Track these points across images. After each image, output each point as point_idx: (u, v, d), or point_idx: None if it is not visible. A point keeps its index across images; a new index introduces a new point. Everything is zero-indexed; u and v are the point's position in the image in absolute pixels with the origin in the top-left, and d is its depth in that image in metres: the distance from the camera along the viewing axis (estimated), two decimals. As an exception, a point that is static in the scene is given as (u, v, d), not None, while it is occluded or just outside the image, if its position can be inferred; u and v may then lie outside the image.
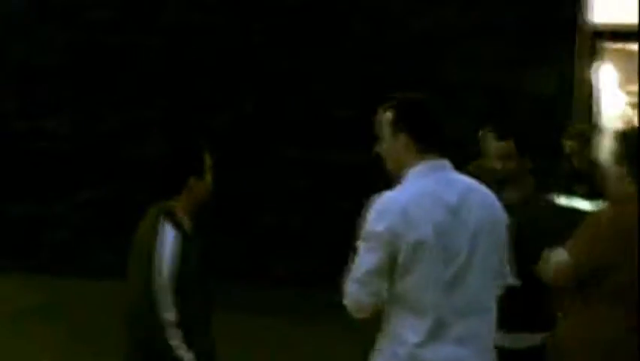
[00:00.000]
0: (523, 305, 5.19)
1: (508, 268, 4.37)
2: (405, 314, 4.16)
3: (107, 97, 10.74)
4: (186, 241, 4.74)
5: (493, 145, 5.58)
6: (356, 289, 4.15)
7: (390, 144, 4.32)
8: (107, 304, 6.70)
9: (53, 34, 10.76)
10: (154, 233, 4.69)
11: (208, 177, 4.85)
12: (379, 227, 4.11)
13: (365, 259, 4.15)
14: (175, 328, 4.64)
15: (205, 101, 10.52)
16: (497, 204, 4.33)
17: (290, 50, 10.40)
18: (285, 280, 10.09)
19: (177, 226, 4.75)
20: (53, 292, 9.68)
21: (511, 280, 4.41)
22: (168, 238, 4.68)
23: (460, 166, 4.41)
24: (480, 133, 5.87)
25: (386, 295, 4.15)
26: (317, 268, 9.64)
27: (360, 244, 4.19)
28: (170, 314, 4.63)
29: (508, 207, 4.46)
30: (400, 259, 4.10)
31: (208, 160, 4.86)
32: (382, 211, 4.14)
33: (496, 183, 5.01)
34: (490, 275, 4.24)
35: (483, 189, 4.33)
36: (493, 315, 4.27)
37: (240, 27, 10.50)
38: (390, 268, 4.12)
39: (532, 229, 5.13)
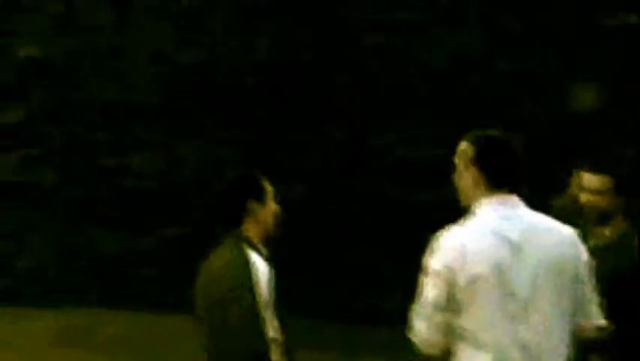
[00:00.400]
0: (619, 351, 5.04)
1: (594, 308, 4.28)
2: (469, 351, 4.17)
3: (193, 135, 10.91)
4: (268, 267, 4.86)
5: (585, 178, 5.43)
6: (420, 325, 4.22)
7: (462, 177, 4.38)
8: (192, 338, 6.79)
9: (143, 72, 10.98)
10: (239, 261, 4.79)
11: (271, 204, 4.96)
12: (437, 263, 4.18)
13: (426, 295, 4.20)
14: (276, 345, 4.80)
15: (292, 137, 10.64)
16: (571, 242, 4.28)
17: (380, 88, 10.49)
18: (368, 316, 10.12)
19: (258, 252, 4.87)
20: (137, 325, 9.82)
21: (601, 322, 4.29)
22: (256, 265, 4.80)
23: (543, 202, 4.38)
24: (574, 170, 5.74)
25: (450, 331, 4.18)
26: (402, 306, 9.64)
27: (423, 280, 4.24)
28: (272, 333, 4.79)
29: (598, 247, 4.37)
30: (459, 294, 4.13)
31: (269, 188, 4.97)
32: (441, 247, 4.21)
33: (584, 219, 4.93)
34: (561, 315, 4.18)
35: (554, 225, 4.30)
36: (565, 357, 4.21)
37: (327, 65, 10.60)
38: (451, 304, 4.16)
39: (628, 270, 5.05)
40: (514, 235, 4.18)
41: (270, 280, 4.82)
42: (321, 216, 10.27)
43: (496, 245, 4.15)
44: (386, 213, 10.42)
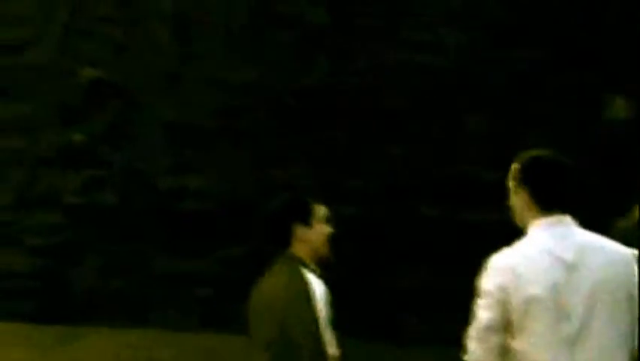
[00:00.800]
0: None
1: None
2: None
3: (250, 156, 10.98)
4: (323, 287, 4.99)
5: None
6: (474, 347, 4.20)
7: (514, 199, 4.38)
8: (248, 358, 6.82)
9: (202, 94, 11.08)
10: (296, 280, 4.87)
11: (320, 226, 5.04)
12: (490, 285, 4.16)
13: (481, 317, 4.18)
14: None
15: (347, 158, 10.67)
16: (625, 262, 4.22)
17: (439, 112, 10.49)
18: (421, 338, 10.10)
19: (312, 271, 4.99)
20: (194, 346, 9.88)
21: None
22: (312, 283, 4.91)
23: (603, 222, 4.35)
24: None
25: (504, 353, 4.17)
26: (458, 327, 9.61)
27: (477, 302, 4.23)
28: (331, 350, 4.91)
29: None
30: (513, 316, 4.12)
31: (319, 209, 5.06)
32: (494, 269, 4.19)
33: None
34: (617, 336, 4.14)
35: (609, 245, 4.26)
36: None
37: (383, 90, 10.64)
38: (505, 326, 4.14)
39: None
40: (568, 255, 4.16)
41: (325, 297, 4.89)
42: (374, 236, 10.26)
43: (551, 266, 4.14)
44: (438, 234, 10.39)
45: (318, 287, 4.90)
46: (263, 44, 11.03)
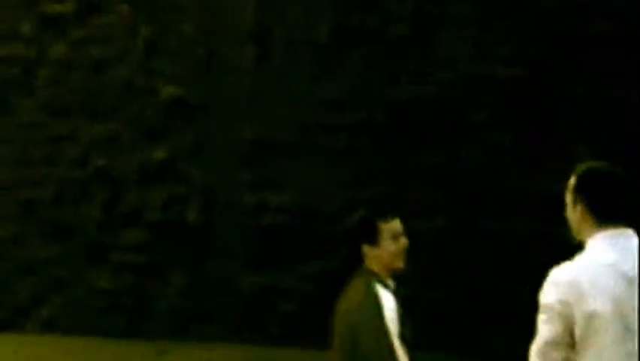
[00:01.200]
0: None
1: None
2: None
3: (333, 171, 11.00)
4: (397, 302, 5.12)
5: None
6: None
7: (570, 212, 4.32)
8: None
9: (281, 113, 11.13)
10: (369, 295, 5.03)
11: (389, 243, 5.17)
12: (551, 299, 4.08)
13: (542, 332, 4.11)
14: None
15: (424, 172, 10.64)
16: None
17: (509, 126, 10.42)
18: (504, 356, 10.01)
19: (385, 286, 5.13)
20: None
21: None
22: (384, 298, 5.03)
23: None
24: None
25: None
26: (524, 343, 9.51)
27: (539, 316, 4.16)
28: None
29: None
30: (576, 331, 4.03)
31: (392, 226, 5.18)
32: (554, 283, 4.10)
33: None
34: None
35: None
36: None
37: (462, 101, 10.59)
38: (568, 341, 4.06)
39: None
40: (630, 269, 4.08)
41: (396, 311, 5.03)
42: (455, 250, 10.19)
43: (613, 280, 4.05)
44: (517, 249, 10.30)
45: (389, 302, 5.05)
46: (344, 60, 11.04)
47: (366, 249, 5.17)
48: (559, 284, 4.09)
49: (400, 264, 5.16)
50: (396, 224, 5.18)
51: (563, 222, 4.25)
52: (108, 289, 11.06)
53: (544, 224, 10.15)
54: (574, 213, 4.28)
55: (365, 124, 10.87)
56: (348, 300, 5.13)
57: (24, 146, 11.07)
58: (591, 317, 4.02)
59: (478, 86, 10.65)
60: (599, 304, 4.02)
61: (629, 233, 4.20)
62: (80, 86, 11.05)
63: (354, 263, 5.23)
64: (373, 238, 5.17)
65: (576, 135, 10.31)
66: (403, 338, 5.04)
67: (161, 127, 11.09)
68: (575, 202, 4.27)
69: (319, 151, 11.03)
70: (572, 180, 4.31)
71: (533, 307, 3.97)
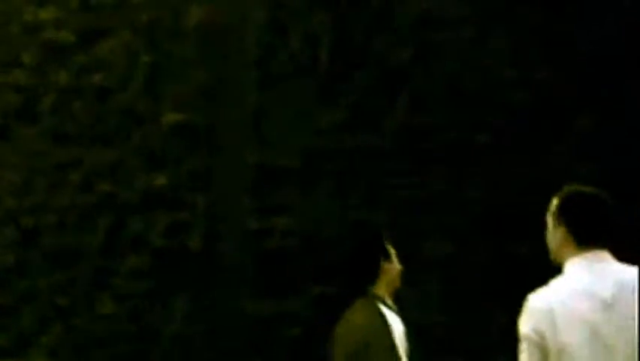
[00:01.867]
0: None
1: None
2: None
3: (336, 195, 11.00)
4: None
5: None
6: None
7: (551, 234, 4.30)
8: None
9: (285, 135, 11.14)
10: (376, 316, 5.03)
11: (396, 263, 5.37)
12: (526, 328, 4.06)
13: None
14: None
15: (433, 197, 10.63)
16: None
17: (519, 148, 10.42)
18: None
19: (389, 308, 5.33)
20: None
21: None
22: (390, 320, 5.03)
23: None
24: None
25: None
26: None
27: (519, 345, 4.13)
28: None
29: None
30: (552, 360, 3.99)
31: (391, 249, 5.37)
32: (529, 311, 4.09)
33: None
34: None
35: None
36: None
37: (464, 125, 10.61)
38: None
39: None
40: (607, 293, 4.03)
41: (402, 332, 5.11)
42: (467, 275, 10.17)
43: (588, 306, 4.01)
44: (524, 273, 10.28)
45: (396, 323, 5.13)
46: (347, 82, 11.06)
47: (386, 265, 5.24)
48: (534, 313, 4.07)
49: (399, 283, 5.29)
50: (391, 248, 5.34)
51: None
52: (110, 316, 11.02)
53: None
54: (554, 235, 4.26)
55: (368, 149, 10.87)
56: (353, 321, 5.17)
57: (27, 173, 11.05)
58: (564, 349, 3.96)
59: (484, 109, 10.66)
60: (574, 334, 3.97)
61: (608, 257, 4.16)
62: (82, 114, 11.05)
63: (368, 281, 5.26)
64: (388, 255, 5.27)
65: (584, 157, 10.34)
66: (410, 357, 5.08)
67: (164, 153, 11.08)
68: (556, 225, 4.26)
69: (324, 176, 11.03)
70: (555, 202, 4.29)
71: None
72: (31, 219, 11.01)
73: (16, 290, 11.03)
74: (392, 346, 5.01)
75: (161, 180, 11.05)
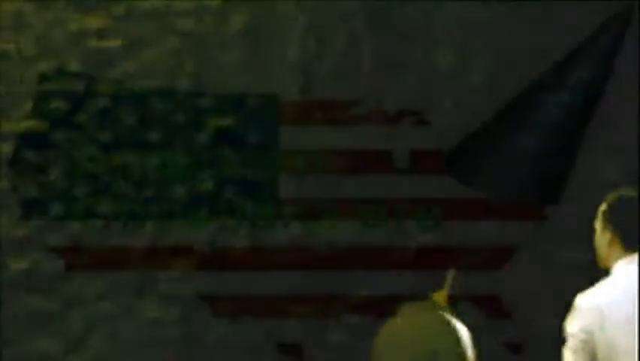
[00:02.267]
0: None
1: None
2: None
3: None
4: None
5: None
6: None
7: (599, 238, 4.34)
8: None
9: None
10: (449, 326, 4.97)
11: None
12: (574, 327, 4.16)
13: (568, 360, 4.18)
14: None
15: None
16: None
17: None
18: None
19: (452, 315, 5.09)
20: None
21: None
22: (462, 329, 4.98)
23: None
24: None
25: None
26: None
27: (565, 344, 4.22)
28: None
29: None
30: (599, 359, 4.09)
31: None
32: (578, 310, 4.16)
33: None
34: None
35: None
36: None
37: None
38: None
39: None
40: None
41: (470, 339, 5.04)
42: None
43: (632, 306, 4.09)
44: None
45: (463, 329, 5.06)
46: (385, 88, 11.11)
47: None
48: (582, 312, 4.18)
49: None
50: None
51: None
52: (156, 321, 11.06)
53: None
54: (602, 239, 4.37)
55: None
56: (414, 327, 5.04)
57: (72, 179, 11.14)
58: (612, 349, 4.04)
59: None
60: (621, 338, 4.05)
61: None
62: (127, 120, 11.15)
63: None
64: None
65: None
66: None
67: (209, 158, 11.13)
68: (603, 229, 4.34)
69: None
70: (603, 207, 4.42)
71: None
72: (77, 225, 11.09)
73: (62, 296, 11.11)
74: (463, 353, 4.91)
75: (207, 185, 11.11)
